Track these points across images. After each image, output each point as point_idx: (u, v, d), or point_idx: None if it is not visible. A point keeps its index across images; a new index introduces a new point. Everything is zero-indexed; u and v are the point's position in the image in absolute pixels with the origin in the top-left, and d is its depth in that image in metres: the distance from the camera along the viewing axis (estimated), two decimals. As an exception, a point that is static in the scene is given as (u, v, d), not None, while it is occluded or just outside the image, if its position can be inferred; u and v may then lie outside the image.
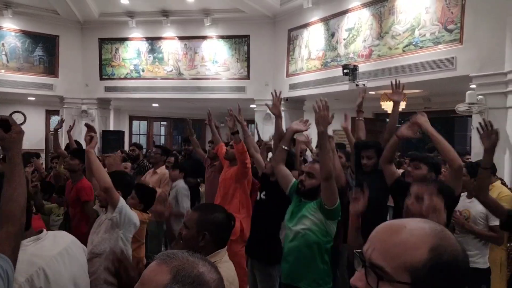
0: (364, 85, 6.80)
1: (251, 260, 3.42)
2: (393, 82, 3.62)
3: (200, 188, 5.66)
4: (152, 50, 9.71)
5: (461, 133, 11.02)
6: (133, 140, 11.96)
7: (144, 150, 10.33)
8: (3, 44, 9.07)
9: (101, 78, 9.94)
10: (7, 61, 9.12)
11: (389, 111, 3.69)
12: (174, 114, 13.36)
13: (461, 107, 5.37)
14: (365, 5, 6.95)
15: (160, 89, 9.70)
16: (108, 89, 9.94)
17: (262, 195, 3.38)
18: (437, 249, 0.73)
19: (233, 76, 9.31)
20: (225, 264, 1.73)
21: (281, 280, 2.83)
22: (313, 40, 8.07)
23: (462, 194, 2.95)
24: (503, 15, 4.99)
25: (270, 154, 4.10)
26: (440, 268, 0.72)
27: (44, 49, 9.53)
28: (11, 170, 1.32)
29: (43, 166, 7.18)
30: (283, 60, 8.80)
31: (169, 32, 9.51)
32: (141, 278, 0.85)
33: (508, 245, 3.52)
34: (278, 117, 3.34)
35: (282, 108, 9.22)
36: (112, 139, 9.92)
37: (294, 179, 2.88)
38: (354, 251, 0.80)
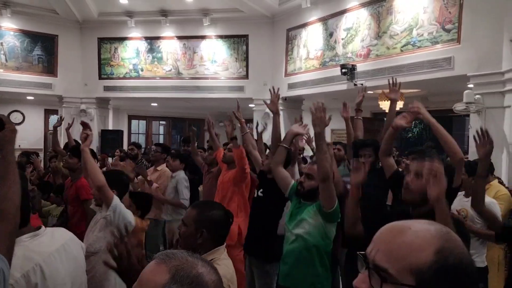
0: (362, 84, 6.81)
1: (249, 257, 3.43)
2: (390, 81, 3.63)
3: (199, 188, 5.67)
4: (151, 50, 9.72)
5: (459, 132, 11.05)
6: (132, 140, 11.97)
7: (143, 149, 10.34)
8: (1, 43, 9.06)
9: (100, 78, 9.95)
10: (6, 60, 9.12)
11: (387, 111, 3.70)
12: (173, 113, 13.37)
13: (458, 107, 5.39)
14: (363, 5, 6.96)
15: (159, 89, 9.70)
16: (107, 88, 9.94)
17: (259, 193, 3.38)
18: (443, 252, 0.72)
19: (232, 76, 9.33)
20: (223, 262, 1.74)
21: (278, 281, 2.82)
22: (311, 39, 8.08)
23: (459, 193, 2.96)
24: (500, 15, 5.01)
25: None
26: (446, 271, 0.71)
27: (43, 49, 9.53)
28: (5, 169, 1.31)
29: (42, 165, 7.19)
30: (282, 59, 8.81)
31: (168, 31, 9.51)
32: (139, 277, 0.84)
33: (505, 244, 3.54)
34: (276, 114, 3.35)
35: (280, 108, 9.26)
36: (111, 139, 9.93)
37: (293, 181, 2.87)
38: (358, 253, 0.79)
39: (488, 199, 2.89)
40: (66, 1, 8.88)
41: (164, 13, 9.22)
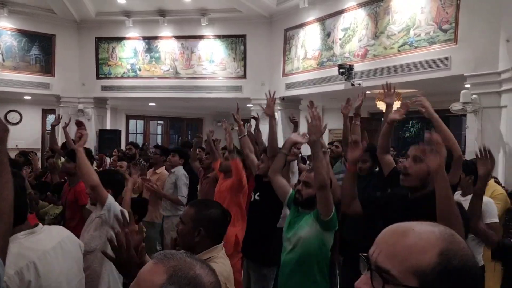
0: (359, 84, 6.84)
1: (246, 261, 3.43)
2: (385, 86, 3.62)
3: (198, 186, 5.65)
4: (149, 50, 9.72)
5: (456, 132, 11.10)
6: (130, 140, 11.96)
7: (141, 145, 10.32)
8: (-1, 43, 9.06)
9: (97, 77, 9.94)
10: (3, 60, 9.10)
11: (385, 111, 3.70)
12: (171, 113, 13.37)
13: (455, 107, 5.41)
14: (360, 5, 6.99)
15: (157, 88, 9.70)
16: (104, 88, 9.93)
17: (256, 196, 3.37)
18: (446, 253, 0.71)
19: (230, 76, 9.34)
20: (221, 260, 1.74)
21: None
22: (309, 39, 8.10)
23: (456, 192, 2.98)
24: (497, 15, 5.03)
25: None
26: (450, 272, 0.70)
27: (41, 48, 9.51)
28: None
29: (39, 164, 7.17)
30: (280, 59, 8.83)
31: (166, 31, 9.51)
32: (137, 277, 0.84)
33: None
34: (271, 117, 3.32)
35: (278, 107, 9.27)
36: (108, 138, 9.92)
37: (291, 189, 2.85)
38: (360, 254, 0.79)
39: (485, 198, 2.90)
40: (64, 1, 8.87)
41: (162, 13, 9.22)
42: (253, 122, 4.77)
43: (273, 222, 3.23)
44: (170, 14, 9.24)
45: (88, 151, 5.03)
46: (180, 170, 4.71)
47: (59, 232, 1.76)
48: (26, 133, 10.94)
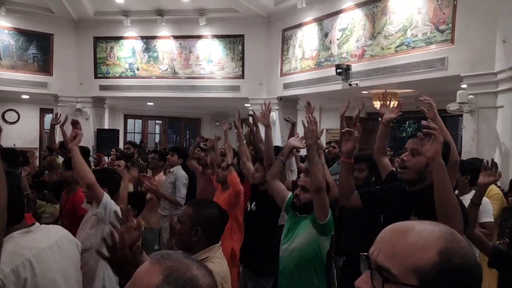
0: (357, 84, 6.87)
1: (244, 269, 3.43)
2: (382, 97, 3.65)
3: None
4: (147, 49, 9.72)
5: (452, 132, 11.13)
6: (128, 139, 11.96)
7: (139, 142, 10.32)
8: (-4, 42, 9.05)
9: (96, 77, 9.93)
10: (1, 59, 9.08)
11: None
12: (169, 113, 13.37)
13: (452, 107, 5.44)
14: (358, 5, 7.01)
15: (155, 88, 9.70)
16: (103, 87, 9.93)
17: (252, 206, 3.37)
18: (447, 252, 0.71)
19: (228, 75, 9.35)
20: (217, 260, 1.76)
21: None
22: (307, 40, 8.12)
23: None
24: (494, 16, 5.06)
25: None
26: (450, 271, 0.70)
27: (38, 47, 9.50)
28: None
29: (37, 162, 7.17)
30: (277, 59, 8.85)
31: (164, 31, 9.52)
32: (133, 277, 0.84)
33: (498, 242, 3.58)
34: (267, 127, 3.28)
35: (275, 107, 9.27)
36: (106, 138, 9.91)
37: (289, 194, 2.86)
38: (361, 253, 0.79)
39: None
40: (62, 0, 8.86)
41: (160, 12, 9.23)
42: (250, 119, 4.77)
43: (270, 231, 3.22)
44: (168, 14, 9.25)
45: (85, 150, 5.04)
46: (179, 170, 4.69)
47: (57, 232, 1.77)
48: (23, 133, 10.93)
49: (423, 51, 5.96)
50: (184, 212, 1.83)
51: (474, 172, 2.91)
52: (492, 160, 2.47)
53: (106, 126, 10.76)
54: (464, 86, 5.45)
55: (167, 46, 9.62)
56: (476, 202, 2.41)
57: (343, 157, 2.21)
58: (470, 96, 5.23)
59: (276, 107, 8.84)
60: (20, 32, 9.25)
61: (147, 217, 4.58)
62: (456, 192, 3.25)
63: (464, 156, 4.88)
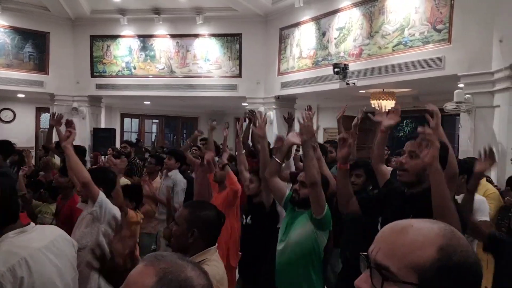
0: (354, 84, 6.87)
1: (242, 281, 3.43)
2: (377, 106, 3.69)
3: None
4: (144, 48, 9.68)
5: (449, 131, 11.17)
6: (125, 138, 11.92)
7: (135, 140, 10.27)
8: (-8, 40, 8.99)
9: (92, 76, 9.89)
10: (-3, 57, 9.04)
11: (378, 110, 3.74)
12: (166, 112, 13.33)
13: (449, 106, 5.45)
14: (355, 4, 7.01)
15: (152, 87, 9.67)
16: (99, 86, 9.89)
17: (248, 220, 3.37)
18: (446, 249, 0.70)
19: (225, 74, 9.33)
20: (213, 263, 1.75)
21: None
22: (304, 39, 8.11)
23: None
24: (490, 15, 5.07)
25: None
26: (450, 269, 0.69)
27: (34, 46, 9.44)
28: None
29: (33, 162, 7.13)
30: (275, 58, 8.83)
31: (161, 29, 9.48)
32: (126, 279, 0.83)
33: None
34: (263, 138, 3.27)
35: (273, 106, 9.26)
36: (103, 137, 9.87)
37: (288, 191, 2.90)
38: (360, 253, 0.78)
39: (478, 197, 2.93)
40: (58, -2, 8.83)
41: (157, 11, 9.19)
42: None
43: (266, 244, 3.22)
44: (165, 13, 9.21)
45: (81, 150, 5.01)
46: (177, 175, 4.65)
47: (52, 231, 1.77)
48: (19, 132, 10.86)
49: (420, 50, 5.96)
50: (180, 214, 1.82)
51: (471, 171, 2.91)
52: (490, 147, 2.48)
53: (102, 125, 10.72)
54: (461, 85, 5.46)
55: (164, 45, 9.59)
56: (472, 189, 2.43)
57: (339, 163, 2.22)
58: (467, 95, 5.24)
59: (274, 106, 8.84)
60: (16, 30, 9.18)
61: (145, 223, 4.56)
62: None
63: (461, 156, 4.89)
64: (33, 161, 6.85)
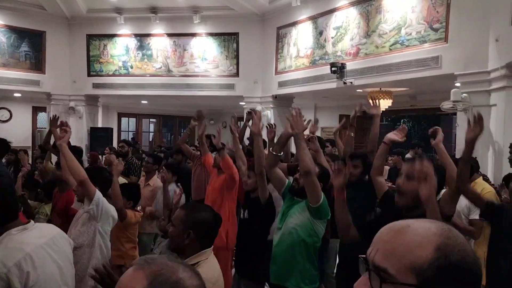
0: (351, 83, 6.88)
1: (239, 278, 3.46)
2: (370, 100, 3.78)
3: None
4: (141, 47, 9.66)
5: (446, 130, 11.22)
6: (122, 137, 11.89)
7: (132, 139, 10.24)
8: (-12, 39, 8.94)
9: (89, 75, 9.86)
10: (-8, 57, 8.99)
11: (373, 121, 3.78)
12: (163, 111, 13.32)
13: (446, 105, 5.47)
14: (352, 4, 7.01)
15: (149, 86, 9.65)
16: (96, 85, 9.85)
17: (245, 215, 3.41)
18: (444, 249, 0.69)
19: (222, 74, 9.32)
20: (208, 264, 1.74)
21: (270, 280, 2.88)
22: (301, 38, 8.12)
23: (443, 190, 3.01)
24: (487, 15, 5.09)
25: None
26: (449, 268, 0.68)
27: (30, 45, 9.39)
28: None
29: (30, 161, 7.11)
30: (272, 57, 8.83)
31: (158, 29, 9.46)
32: (117, 285, 0.81)
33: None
34: (258, 135, 3.28)
35: (270, 106, 9.25)
36: (100, 136, 9.84)
37: (287, 180, 2.97)
38: (359, 256, 0.78)
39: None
40: (54, -3, 8.78)
41: (153, 10, 9.17)
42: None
43: (263, 239, 3.26)
44: (162, 12, 9.20)
45: (78, 150, 5.00)
46: (173, 187, 4.65)
47: (50, 229, 1.81)
48: (16, 131, 10.82)
49: (417, 49, 5.98)
50: (177, 215, 1.82)
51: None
52: (478, 113, 2.49)
53: (99, 125, 10.69)
54: (458, 84, 5.48)
55: (161, 44, 9.57)
56: (465, 159, 2.43)
57: (336, 193, 2.21)
58: (464, 94, 5.25)
59: (271, 105, 8.84)
60: (11, 29, 9.14)
61: (143, 223, 4.55)
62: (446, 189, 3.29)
63: (458, 154, 4.91)
64: (29, 160, 6.82)
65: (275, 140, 3.75)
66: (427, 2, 5.84)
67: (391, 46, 6.38)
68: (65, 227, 3.44)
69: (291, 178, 3.15)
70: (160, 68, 9.60)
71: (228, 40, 9.20)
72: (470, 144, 2.40)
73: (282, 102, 8.88)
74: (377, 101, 3.75)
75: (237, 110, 8.19)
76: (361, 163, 3.31)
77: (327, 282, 3.89)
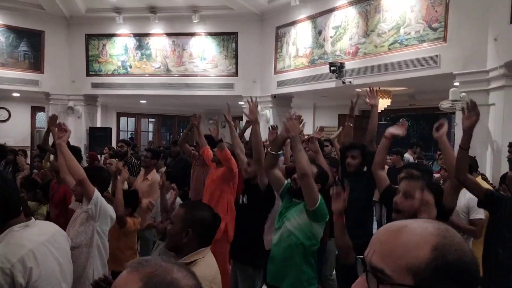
0: (350, 82, 6.88)
1: (234, 263, 3.46)
2: (368, 90, 3.79)
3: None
4: (140, 47, 9.65)
5: (446, 130, 11.21)
6: (121, 137, 11.89)
7: (129, 138, 10.22)
8: (-14, 39, 8.92)
9: (88, 75, 9.85)
10: (-9, 56, 8.98)
11: (371, 111, 3.79)
12: (162, 110, 13.31)
13: (444, 104, 5.47)
14: (351, 3, 7.01)
15: (148, 86, 9.64)
16: (95, 85, 9.84)
17: (244, 200, 3.41)
18: (441, 249, 0.68)
19: (221, 73, 9.32)
20: (205, 263, 1.75)
21: (266, 280, 2.88)
22: (300, 37, 8.12)
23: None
24: (485, 14, 5.09)
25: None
26: (446, 268, 0.67)
27: (29, 45, 9.38)
28: None
29: (28, 161, 7.10)
30: (271, 57, 8.83)
31: (157, 28, 9.46)
32: (111, 287, 0.81)
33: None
34: (255, 123, 3.30)
35: (269, 105, 9.25)
36: (99, 136, 9.83)
37: (286, 181, 2.96)
38: (357, 257, 0.77)
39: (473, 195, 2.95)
40: (53, -3, 8.77)
41: (152, 9, 9.16)
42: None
43: (261, 224, 3.27)
44: (161, 11, 9.19)
45: (77, 150, 5.00)
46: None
47: (50, 227, 1.83)
48: (15, 131, 10.82)
49: (416, 49, 5.98)
50: (176, 213, 1.82)
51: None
52: (471, 100, 2.50)
53: (98, 124, 10.68)
54: (456, 84, 5.49)
55: (160, 44, 9.56)
56: (464, 147, 2.43)
57: (335, 217, 2.22)
58: (463, 94, 5.26)
59: (270, 105, 8.84)
60: (10, 29, 9.12)
61: (145, 217, 4.55)
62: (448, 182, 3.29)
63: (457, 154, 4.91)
64: (28, 161, 6.81)
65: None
66: (426, 1, 5.85)
67: (390, 45, 6.39)
68: (60, 219, 3.48)
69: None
70: (159, 67, 9.60)
71: (227, 39, 9.20)
72: (468, 132, 2.40)
73: (281, 101, 8.88)
74: (375, 91, 3.75)
75: (236, 110, 8.18)
76: (359, 153, 3.33)
77: (325, 284, 3.88)
